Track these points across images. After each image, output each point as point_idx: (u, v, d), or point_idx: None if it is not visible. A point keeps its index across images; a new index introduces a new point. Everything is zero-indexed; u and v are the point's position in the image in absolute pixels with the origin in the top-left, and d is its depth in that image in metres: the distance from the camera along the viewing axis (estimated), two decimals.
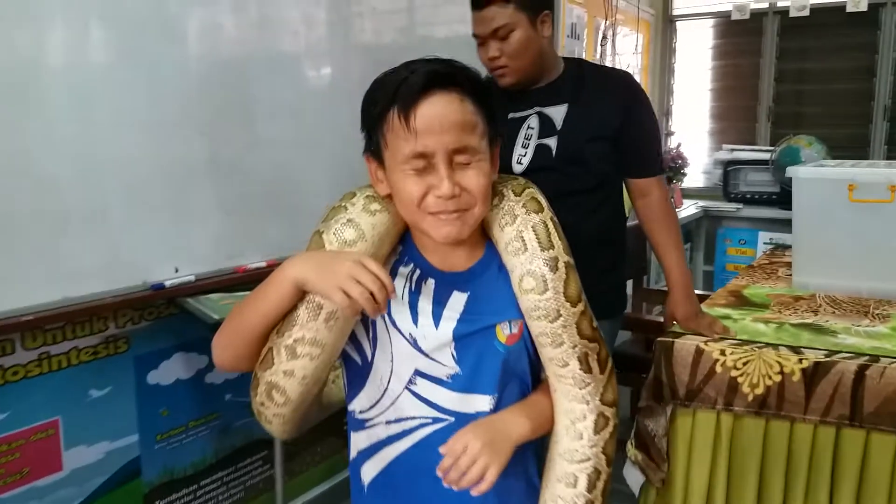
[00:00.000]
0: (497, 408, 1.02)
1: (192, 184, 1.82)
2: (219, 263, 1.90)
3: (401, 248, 1.05)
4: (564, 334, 0.99)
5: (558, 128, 1.70)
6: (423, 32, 2.54)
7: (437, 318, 1.01)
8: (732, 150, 4.27)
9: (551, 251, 0.99)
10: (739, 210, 4.02)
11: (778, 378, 1.50)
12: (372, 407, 1.04)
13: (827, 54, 4.19)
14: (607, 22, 3.92)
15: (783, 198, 3.97)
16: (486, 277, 1.04)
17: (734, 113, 4.57)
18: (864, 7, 3.99)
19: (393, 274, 1.03)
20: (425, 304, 1.02)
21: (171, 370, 1.88)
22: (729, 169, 4.18)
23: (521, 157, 1.70)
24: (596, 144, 1.70)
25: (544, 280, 0.98)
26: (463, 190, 0.95)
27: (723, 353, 1.55)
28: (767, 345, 1.56)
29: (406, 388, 1.02)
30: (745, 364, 1.53)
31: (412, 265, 1.04)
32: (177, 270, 1.81)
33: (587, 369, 1.01)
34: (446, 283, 1.03)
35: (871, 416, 1.42)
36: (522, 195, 1.03)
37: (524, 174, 1.40)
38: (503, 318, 1.03)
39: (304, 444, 2.26)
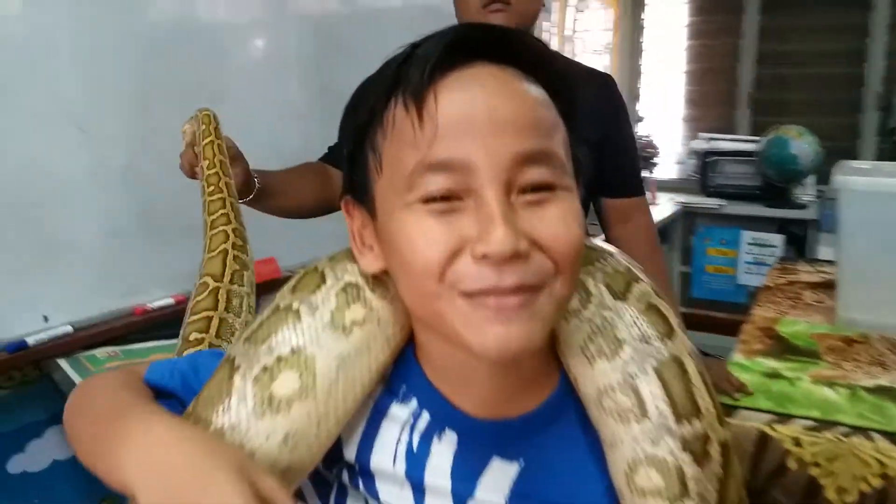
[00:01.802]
0: None
1: (65, 200, 1.36)
2: (106, 305, 1.44)
3: (391, 370, 0.58)
4: None
5: None
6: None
7: (461, 501, 0.55)
8: (711, 139, 3.91)
9: (696, 422, 0.53)
10: (722, 207, 3.67)
11: (878, 483, 1.11)
12: None
13: (813, 35, 3.85)
14: None
15: (768, 194, 3.66)
16: (555, 434, 0.57)
17: (710, 98, 4.21)
18: None
19: (379, 414, 0.57)
20: (438, 479, 0.55)
21: (44, 451, 1.41)
22: (707, 160, 3.83)
23: None
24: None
25: (682, 477, 0.52)
26: (533, 245, 0.47)
27: (797, 442, 1.16)
28: (856, 429, 1.17)
29: None
30: (829, 461, 1.13)
31: (414, 401, 0.57)
32: (46, 319, 1.34)
33: None
34: (480, 441, 0.56)
35: None
36: (630, 296, 0.55)
37: None
38: None
39: None
